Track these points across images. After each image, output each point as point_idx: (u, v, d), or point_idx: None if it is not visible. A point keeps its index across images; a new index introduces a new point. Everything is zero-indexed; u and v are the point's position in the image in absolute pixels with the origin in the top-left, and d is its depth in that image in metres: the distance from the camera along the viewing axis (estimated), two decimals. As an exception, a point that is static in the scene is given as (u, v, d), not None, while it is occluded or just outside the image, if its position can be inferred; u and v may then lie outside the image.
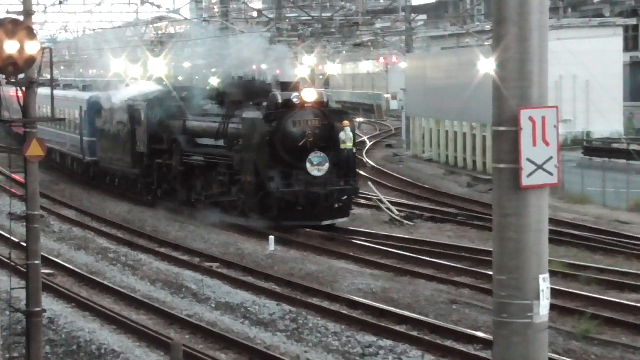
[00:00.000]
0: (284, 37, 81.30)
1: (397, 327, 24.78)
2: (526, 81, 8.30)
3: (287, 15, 79.12)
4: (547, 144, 8.38)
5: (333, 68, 79.12)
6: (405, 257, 33.16)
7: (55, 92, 61.56)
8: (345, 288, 29.21)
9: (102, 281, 31.32)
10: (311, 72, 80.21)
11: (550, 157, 8.40)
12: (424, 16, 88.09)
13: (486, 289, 26.43)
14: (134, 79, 59.65)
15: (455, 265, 31.69)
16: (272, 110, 37.84)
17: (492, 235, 8.64)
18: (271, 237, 36.21)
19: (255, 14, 78.88)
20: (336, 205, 38.01)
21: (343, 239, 36.93)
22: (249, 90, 41.36)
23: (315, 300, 27.95)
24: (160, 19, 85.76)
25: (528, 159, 8.32)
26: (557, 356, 21.31)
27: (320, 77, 77.12)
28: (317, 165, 36.55)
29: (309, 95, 37.39)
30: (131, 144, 46.69)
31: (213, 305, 28.48)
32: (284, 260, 33.61)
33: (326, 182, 37.00)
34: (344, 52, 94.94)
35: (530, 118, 8.29)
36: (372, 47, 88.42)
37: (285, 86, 39.24)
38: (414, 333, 24.16)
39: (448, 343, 23.24)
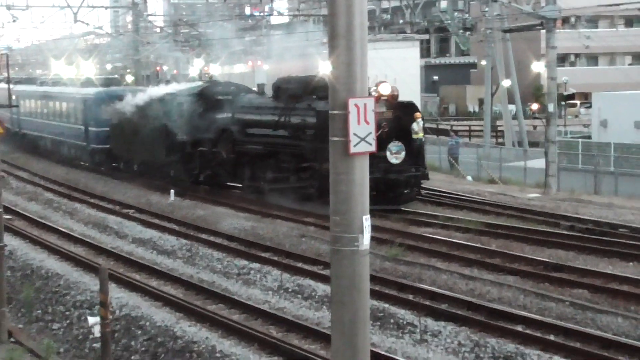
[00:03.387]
0: (179, 47, 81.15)
1: (262, 254, 24.77)
2: (352, 79, 8.35)
3: (181, 30, 78.49)
4: (367, 123, 8.44)
5: (215, 69, 78.61)
6: (268, 204, 33.11)
7: (53, 88, 54.68)
8: (226, 226, 29.15)
9: (48, 224, 30.82)
10: (200, 72, 79.58)
11: (370, 133, 8.47)
12: (280, 32, 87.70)
13: (326, 226, 26.54)
14: (70, 78, 57.81)
15: (303, 209, 31.77)
16: None
17: (330, 188, 8.68)
18: (172, 191, 35.88)
19: (158, 30, 78.08)
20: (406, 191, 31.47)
21: (222, 192, 36.79)
22: (307, 86, 32.75)
23: (204, 236, 27.83)
24: (89, 33, 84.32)
25: (354, 134, 8.37)
26: (376, 273, 21.55)
27: (206, 75, 76.27)
28: (395, 154, 29.84)
29: (385, 89, 30.19)
30: (166, 134, 38.42)
31: (130, 240, 28.25)
32: (181, 207, 33.41)
33: (402, 169, 30.30)
34: (223, 57, 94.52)
35: (356, 105, 8.35)
36: (243, 54, 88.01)
37: None
38: (275, 258, 24.17)
39: (299, 265, 23.34)
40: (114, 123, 43.35)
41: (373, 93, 29.41)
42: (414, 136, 30.81)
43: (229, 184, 37.21)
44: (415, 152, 30.80)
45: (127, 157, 43.17)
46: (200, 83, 40.30)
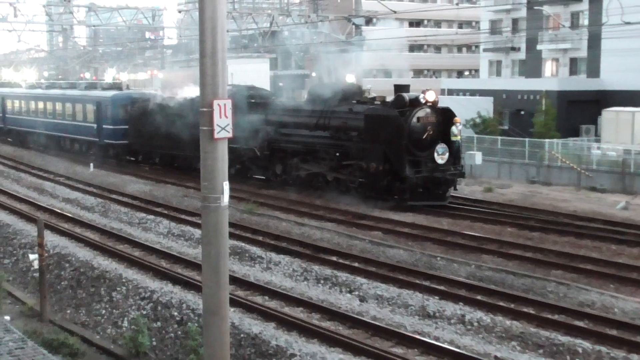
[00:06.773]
0: (97, 60, 79.30)
1: (156, 209, 24.56)
2: (216, 86, 8.36)
3: (98, 48, 76.43)
4: (226, 117, 8.47)
5: (124, 76, 77.01)
6: (160, 172, 32.68)
7: (62, 91, 45.07)
8: (130, 189, 28.66)
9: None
10: (113, 79, 77.56)
11: (228, 124, 8.51)
12: (170, 50, 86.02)
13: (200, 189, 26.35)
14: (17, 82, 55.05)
15: (186, 176, 31.42)
16: (401, 108, 24.41)
17: (200, 163, 8.71)
18: (92, 164, 35.01)
19: (82, 47, 75.79)
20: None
21: (132, 165, 35.98)
22: (344, 92, 26.89)
23: (115, 196, 27.31)
24: (30, 49, 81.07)
25: (217, 125, 8.39)
26: (236, 222, 21.65)
27: (117, 81, 74.44)
28: (441, 155, 24.29)
29: (431, 96, 24.41)
30: (197, 132, 30.67)
31: (61, 199, 27.47)
32: (99, 176, 32.58)
33: (446, 168, 24.55)
34: (130, 67, 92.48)
35: (219, 104, 8.37)
36: (145, 65, 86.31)
37: (401, 88, 25.29)
38: (166, 212, 24.00)
39: (183, 216, 23.21)
40: (135, 121, 35.67)
41: (421, 99, 24.59)
42: (453, 138, 24.94)
43: (255, 176, 30.54)
44: (454, 153, 25.02)
45: (147, 151, 35.77)
46: (230, 87, 33.97)
